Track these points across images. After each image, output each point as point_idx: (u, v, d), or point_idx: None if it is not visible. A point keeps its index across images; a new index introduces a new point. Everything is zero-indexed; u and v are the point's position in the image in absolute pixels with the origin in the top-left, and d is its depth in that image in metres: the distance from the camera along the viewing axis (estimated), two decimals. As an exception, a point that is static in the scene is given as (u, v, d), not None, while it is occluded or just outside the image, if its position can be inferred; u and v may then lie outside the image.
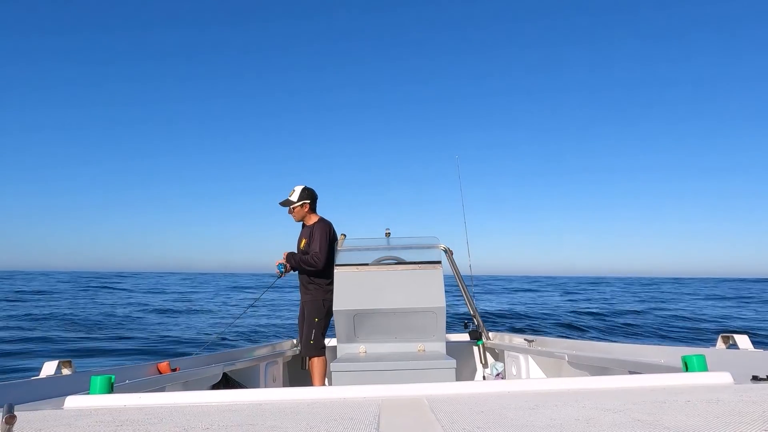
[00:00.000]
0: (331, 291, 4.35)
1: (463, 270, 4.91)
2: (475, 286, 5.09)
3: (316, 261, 4.38)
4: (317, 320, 4.43)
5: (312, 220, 4.62)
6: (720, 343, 2.34)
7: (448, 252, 4.78)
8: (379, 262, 4.35)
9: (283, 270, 4.53)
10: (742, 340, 2.26)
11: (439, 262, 4.19)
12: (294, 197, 4.59)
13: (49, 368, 2.37)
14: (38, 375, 2.31)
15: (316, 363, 4.39)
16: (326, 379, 4.48)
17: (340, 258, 4.49)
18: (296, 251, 4.64)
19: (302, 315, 4.55)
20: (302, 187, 4.61)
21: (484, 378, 4.79)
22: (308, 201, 4.59)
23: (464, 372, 4.87)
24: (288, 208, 4.64)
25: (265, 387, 4.05)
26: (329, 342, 5.14)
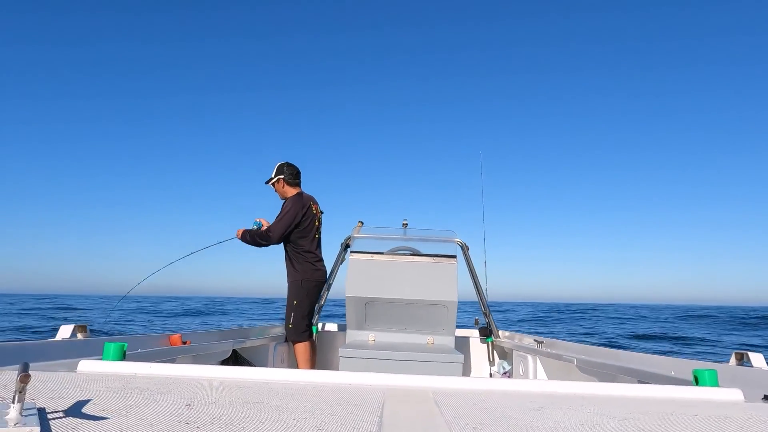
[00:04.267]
0: (311, 271, 4.31)
1: (478, 267, 4.89)
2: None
3: (267, 234, 4.23)
4: (296, 303, 4.28)
5: (288, 194, 4.45)
6: (733, 360, 2.30)
7: (464, 247, 4.76)
8: (394, 252, 4.35)
9: (256, 227, 4.32)
10: (757, 359, 2.22)
11: (454, 257, 4.17)
12: (272, 173, 4.48)
13: (64, 331, 2.42)
14: (54, 337, 2.37)
15: (299, 348, 4.27)
16: (313, 363, 4.37)
17: (355, 245, 4.49)
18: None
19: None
20: (281, 162, 4.50)
21: (491, 375, 4.79)
22: (281, 176, 4.43)
23: (471, 368, 4.87)
24: (269, 184, 4.53)
25: (274, 367, 4.10)
26: (332, 327, 5.16)
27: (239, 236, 4.37)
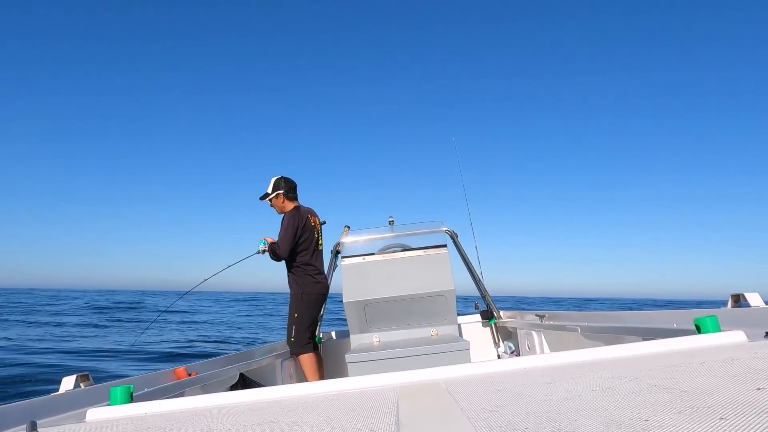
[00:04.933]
0: (311, 284, 4.32)
1: (470, 252, 4.92)
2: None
3: (277, 251, 4.27)
4: (297, 316, 4.30)
5: (287, 209, 4.46)
6: (731, 303, 2.34)
7: (453, 235, 4.78)
8: (385, 251, 4.35)
9: (262, 246, 4.40)
10: (754, 298, 2.25)
11: (444, 246, 4.19)
12: (269, 189, 4.47)
13: (67, 383, 2.38)
14: (57, 390, 2.33)
15: (304, 360, 4.27)
16: (321, 373, 4.40)
17: (345, 249, 4.49)
18: None
19: None
20: (277, 177, 4.48)
21: (498, 357, 4.81)
22: (281, 191, 4.44)
23: (478, 352, 4.89)
24: (266, 201, 4.52)
25: (283, 384, 4.07)
26: (335, 335, 5.15)
27: (268, 244, 4.40)
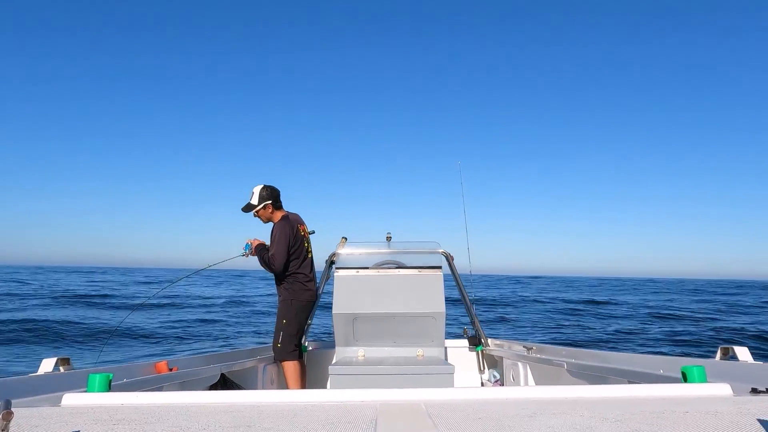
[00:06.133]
0: (301, 291, 4.28)
1: (464, 276, 4.91)
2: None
3: (272, 266, 4.21)
4: (285, 322, 4.24)
5: (276, 219, 4.36)
6: (719, 355, 2.34)
7: (449, 257, 4.77)
8: (379, 266, 4.34)
9: (247, 251, 4.35)
10: (742, 352, 2.25)
11: (439, 267, 4.18)
12: (255, 200, 4.34)
13: (47, 365, 2.37)
14: (36, 372, 2.31)
15: (288, 368, 4.22)
16: (303, 382, 4.35)
17: (340, 261, 4.48)
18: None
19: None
20: (261, 187, 4.36)
21: (482, 384, 4.78)
22: (269, 201, 4.33)
23: (462, 378, 4.86)
24: (252, 213, 4.41)
25: (263, 389, 4.04)
26: (321, 346, 5.12)
27: (254, 249, 4.34)
